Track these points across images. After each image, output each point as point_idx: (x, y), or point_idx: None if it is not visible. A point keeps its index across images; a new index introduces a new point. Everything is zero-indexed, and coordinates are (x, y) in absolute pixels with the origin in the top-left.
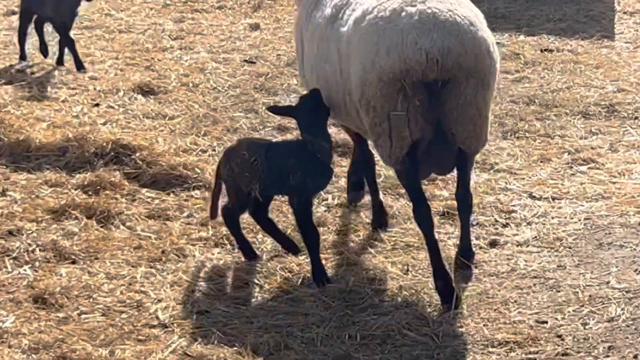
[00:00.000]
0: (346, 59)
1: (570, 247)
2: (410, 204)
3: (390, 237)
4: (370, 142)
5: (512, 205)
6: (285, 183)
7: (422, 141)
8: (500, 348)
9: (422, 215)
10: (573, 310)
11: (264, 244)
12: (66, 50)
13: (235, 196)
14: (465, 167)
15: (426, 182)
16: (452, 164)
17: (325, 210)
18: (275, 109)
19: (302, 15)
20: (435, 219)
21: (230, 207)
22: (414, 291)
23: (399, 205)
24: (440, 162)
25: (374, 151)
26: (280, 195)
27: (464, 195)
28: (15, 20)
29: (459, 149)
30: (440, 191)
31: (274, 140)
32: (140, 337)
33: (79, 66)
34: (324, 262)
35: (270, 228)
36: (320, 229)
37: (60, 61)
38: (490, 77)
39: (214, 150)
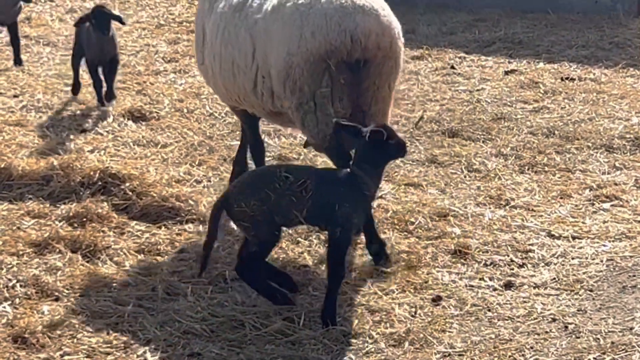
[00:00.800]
0: (263, 44)
1: (591, 290)
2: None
3: (397, 277)
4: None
5: (529, 244)
6: (330, 214)
7: (344, 118)
8: None
9: None
10: (594, 358)
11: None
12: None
13: (267, 232)
14: None
15: (437, 219)
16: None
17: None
18: (343, 126)
19: (204, 7)
20: (447, 257)
21: (256, 251)
22: (422, 335)
23: (407, 242)
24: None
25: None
26: (310, 227)
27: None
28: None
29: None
30: (452, 228)
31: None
32: None
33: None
34: (320, 296)
35: (269, 270)
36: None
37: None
38: (400, 59)
39: (209, 181)
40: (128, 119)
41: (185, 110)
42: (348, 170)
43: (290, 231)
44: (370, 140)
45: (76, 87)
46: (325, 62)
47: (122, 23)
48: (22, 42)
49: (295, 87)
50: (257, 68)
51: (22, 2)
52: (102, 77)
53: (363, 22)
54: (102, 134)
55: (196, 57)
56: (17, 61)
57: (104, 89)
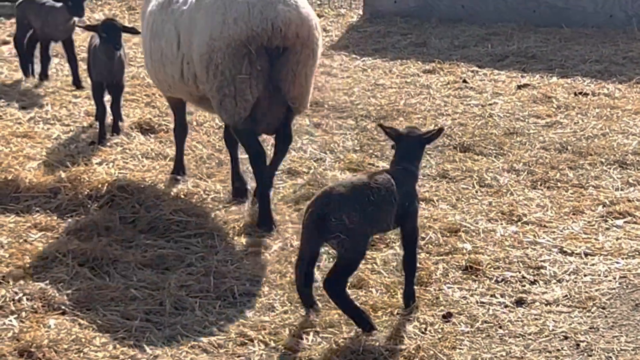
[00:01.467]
0: (187, 32)
1: (603, 308)
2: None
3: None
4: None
5: (541, 261)
6: (405, 213)
7: (261, 102)
8: None
9: (260, 161)
10: None
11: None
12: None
13: (362, 244)
14: (288, 124)
15: (448, 234)
16: (279, 124)
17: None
18: (385, 128)
19: (144, 9)
20: (457, 273)
21: (348, 266)
22: (432, 352)
23: (418, 258)
24: (271, 122)
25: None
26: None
27: (284, 136)
28: (6, 50)
29: (287, 109)
30: (463, 244)
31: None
32: None
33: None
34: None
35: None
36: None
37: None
38: (317, 48)
39: (218, 193)
40: (137, 131)
41: (194, 123)
42: (400, 168)
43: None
44: (410, 138)
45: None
46: (246, 47)
47: (136, 32)
48: None
49: (217, 71)
50: (183, 56)
51: (75, 17)
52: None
53: (284, 12)
54: (110, 146)
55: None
56: (76, 82)
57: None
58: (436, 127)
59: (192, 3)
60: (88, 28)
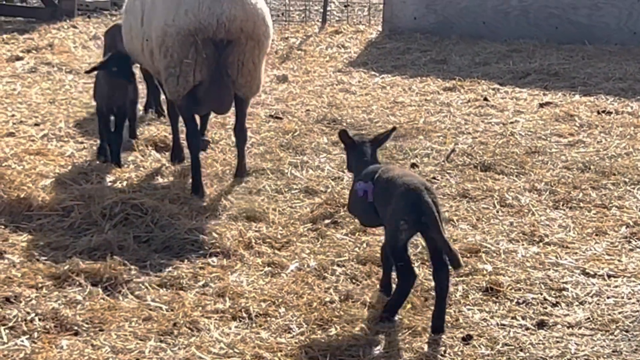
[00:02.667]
0: (149, 13)
1: (627, 331)
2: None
3: (427, 315)
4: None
5: (563, 283)
6: None
7: (202, 85)
8: None
9: (193, 132)
10: None
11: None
12: None
13: None
14: (242, 109)
15: (468, 255)
16: (229, 106)
17: (347, 279)
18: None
19: None
20: (478, 295)
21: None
22: None
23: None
24: (220, 104)
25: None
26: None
27: (240, 130)
28: (19, 66)
29: (236, 95)
30: (483, 265)
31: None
32: None
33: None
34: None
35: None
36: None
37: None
38: (265, 39)
39: (231, 210)
40: (151, 149)
41: (210, 141)
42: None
43: (316, 266)
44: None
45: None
46: (193, 37)
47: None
48: (44, 69)
49: (167, 52)
50: (144, 33)
51: None
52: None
53: (229, 9)
54: (124, 164)
55: None
56: (158, 110)
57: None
58: (388, 129)
59: None
60: (95, 69)
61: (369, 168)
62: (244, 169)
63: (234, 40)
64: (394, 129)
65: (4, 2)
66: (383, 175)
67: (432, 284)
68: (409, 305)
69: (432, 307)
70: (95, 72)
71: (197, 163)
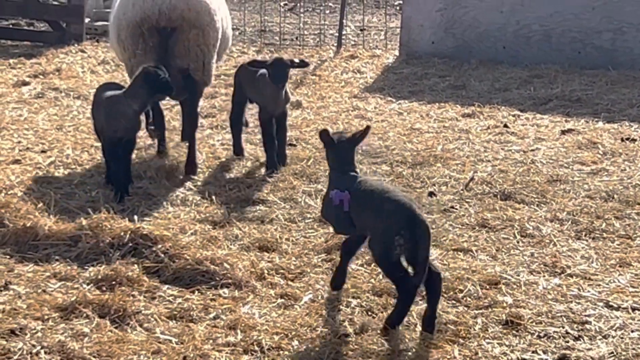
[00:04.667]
0: (116, 6)
1: None
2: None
3: (445, 349)
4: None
5: (585, 316)
6: None
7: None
8: None
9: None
10: None
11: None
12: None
13: None
14: (195, 93)
15: (487, 287)
16: (182, 90)
17: (362, 312)
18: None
19: None
20: (497, 328)
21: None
22: None
23: (455, 312)
24: (177, 88)
25: None
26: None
27: (189, 114)
28: (26, 91)
29: (190, 78)
30: (503, 297)
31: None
32: None
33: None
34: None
35: None
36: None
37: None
38: (210, 30)
39: (243, 240)
40: (161, 177)
41: (221, 168)
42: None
43: (330, 298)
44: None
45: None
46: (140, 28)
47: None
48: (51, 94)
49: (124, 44)
50: (114, 26)
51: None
52: None
53: (165, 1)
54: (134, 192)
55: None
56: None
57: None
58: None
59: None
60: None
61: (345, 176)
62: (195, 164)
63: (177, 27)
64: (368, 127)
65: (11, 26)
66: (361, 186)
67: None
68: (430, 343)
69: (451, 341)
70: (105, 100)
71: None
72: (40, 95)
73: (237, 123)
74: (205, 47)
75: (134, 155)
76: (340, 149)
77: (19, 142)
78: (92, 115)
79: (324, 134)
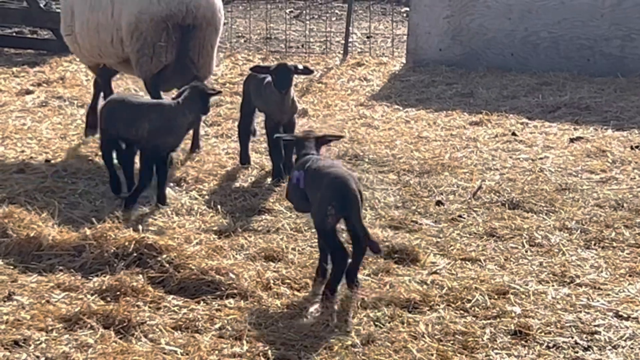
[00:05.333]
0: (119, 4)
1: None
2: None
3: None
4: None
5: (595, 326)
6: None
7: (171, 65)
8: None
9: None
10: None
11: None
12: None
13: None
14: None
15: (496, 297)
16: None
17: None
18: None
19: None
20: (506, 338)
21: None
22: None
23: (463, 322)
24: (182, 82)
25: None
26: None
27: None
28: (29, 100)
29: (195, 76)
30: (512, 307)
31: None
32: None
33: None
34: None
35: None
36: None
37: None
38: (220, 26)
39: (249, 250)
40: (167, 186)
41: (227, 177)
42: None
43: (337, 308)
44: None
45: None
46: (165, 23)
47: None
48: (55, 103)
49: (141, 36)
50: (114, 23)
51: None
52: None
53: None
54: (138, 202)
55: (64, 31)
56: (245, 161)
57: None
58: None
59: None
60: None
61: (303, 158)
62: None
63: (197, 25)
64: (341, 137)
65: (15, 34)
66: (313, 165)
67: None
68: (438, 354)
69: (459, 351)
70: (156, 111)
71: None
72: (44, 104)
73: (245, 132)
74: (214, 44)
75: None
76: (301, 143)
77: (23, 151)
78: (113, 121)
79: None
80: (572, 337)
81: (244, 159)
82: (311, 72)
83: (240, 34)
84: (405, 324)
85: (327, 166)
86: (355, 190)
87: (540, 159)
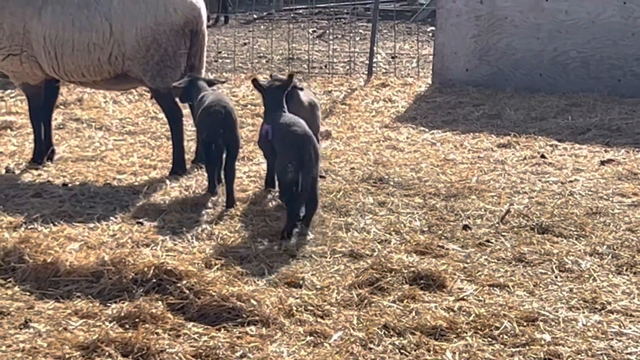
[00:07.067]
0: (120, 21)
1: None
2: None
3: None
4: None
5: (627, 354)
6: None
7: (185, 70)
8: None
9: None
10: None
11: None
12: None
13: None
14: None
15: (525, 324)
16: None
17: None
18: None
19: (24, 13)
20: None
21: None
22: None
23: (491, 349)
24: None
25: None
26: None
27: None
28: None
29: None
30: (541, 334)
31: None
32: None
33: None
34: None
35: None
36: None
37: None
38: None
39: (271, 276)
40: (187, 210)
41: (248, 200)
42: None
43: (361, 336)
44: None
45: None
46: (183, 30)
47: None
48: (73, 125)
49: (160, 48)
50: (115, 41)
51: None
52: None
53: (198, 3)
54: (158, 227)
55: (3, 51)
56: (271, 184)
57: None
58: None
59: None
60: None
61: (273, 114)
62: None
63: (200, 30)
64: (291, 75)
65: None
66: (281, 120)
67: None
68: None
69: None
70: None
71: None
72: (61, 126)
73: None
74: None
75: (162, 190)
76: (271, 94)
77: (40, 174)
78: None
79: (255, 82)
80: None
81: (270, 183)
82: (223, 82)
83: (261, 54)
84: (431, 352)
85: (290, 123)
86: (310, 151)
87: (570, 182)
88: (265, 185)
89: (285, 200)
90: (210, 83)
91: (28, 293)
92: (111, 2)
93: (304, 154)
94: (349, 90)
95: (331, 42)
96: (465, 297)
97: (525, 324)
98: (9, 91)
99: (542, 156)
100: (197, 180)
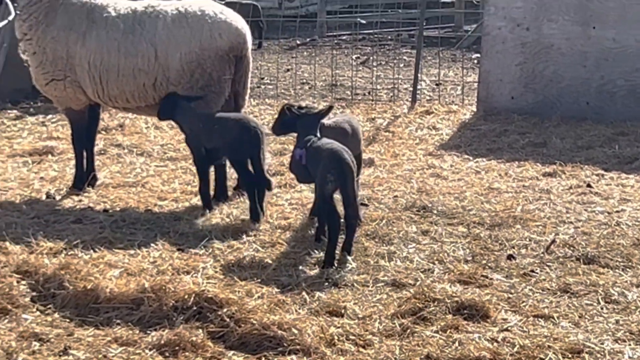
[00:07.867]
0: (164, 47)
1: None
2: None
3: None
4: None
5: None
6: None
7: (229, 96)
8: None
9: None
10: None
11: None
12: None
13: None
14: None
15: (570, 356)
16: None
17: None
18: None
19: (68, 38)
20: None
21: None
22: None
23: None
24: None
25: None
26: None
27: None
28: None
29: (237, 104)
30: None
31: None
32: None
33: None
34: None
35: None
36: None
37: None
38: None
39: (312, 304)
40: (228, 237)
41: (290, 228)
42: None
43: None
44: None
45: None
46: (227, 55)
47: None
48: (114, 151)
49: (205, 73)
50: (159, 66)
51: None
52: None
53: (244, 29)
54: (199, 253)
55: (45, 79)
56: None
57: None
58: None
59: (166, 25)
60: None
61: (305, 139)
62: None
63: (246, 56)
64: (330, 107)
65: None
66: (314, 144)
67: None
68: None
69: None
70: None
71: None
72: (102, 152)
73: None
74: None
75: (203, 216)
76: (304, 121)
77: (80, 200)
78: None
79: (289, 110)
80: None
81: (316, 211)
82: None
83: (304, 81)
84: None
85: (325, 143)
86: (349, 162)
87: (617, 212)
88: (309, 213)
89: (326, 215)
90: (190, 99)
91: (68, 320)
92: (156, 28)
93: (343, 164)
94: (392, 118)
95: (375, 68)
96: (509, 328)
97: (570, 356)
98: (50, 116)
99: (589, 185)
100: (238, 208)
